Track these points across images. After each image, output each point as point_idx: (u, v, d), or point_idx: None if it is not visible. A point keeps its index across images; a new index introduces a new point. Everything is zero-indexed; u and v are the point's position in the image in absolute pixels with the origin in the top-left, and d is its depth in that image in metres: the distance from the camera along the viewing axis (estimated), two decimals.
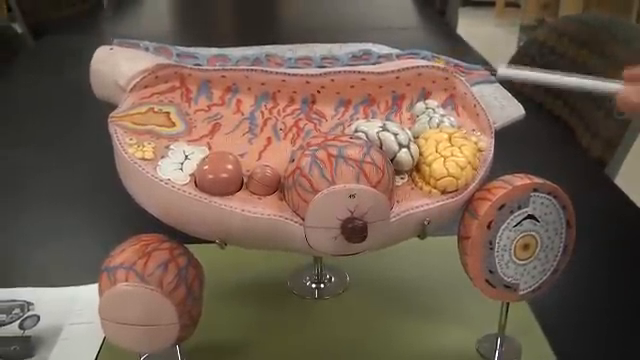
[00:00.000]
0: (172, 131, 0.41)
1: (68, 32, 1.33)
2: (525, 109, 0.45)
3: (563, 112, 0.93)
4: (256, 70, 0.45)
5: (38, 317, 0.46)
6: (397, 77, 0.45)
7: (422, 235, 0.41)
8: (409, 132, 0.41)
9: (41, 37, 1.31)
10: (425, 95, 0.45)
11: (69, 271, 0.54)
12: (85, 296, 0.50)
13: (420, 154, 0.41)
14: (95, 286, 0.39)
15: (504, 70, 0.40)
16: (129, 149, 0.39)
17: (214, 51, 0.48)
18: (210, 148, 0.41)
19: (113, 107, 0.43)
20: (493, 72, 0.41)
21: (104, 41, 0.47)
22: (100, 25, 1.46)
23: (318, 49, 0.49)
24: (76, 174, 0.71)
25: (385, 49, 0.49)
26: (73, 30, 1.34)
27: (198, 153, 0.40)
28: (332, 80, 0.45)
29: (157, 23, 1.48)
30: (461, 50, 1.18)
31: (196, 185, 0.38)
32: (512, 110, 0.45)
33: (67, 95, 0.93)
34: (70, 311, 0.49)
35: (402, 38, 1.26)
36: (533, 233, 0.41)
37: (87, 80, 0.46)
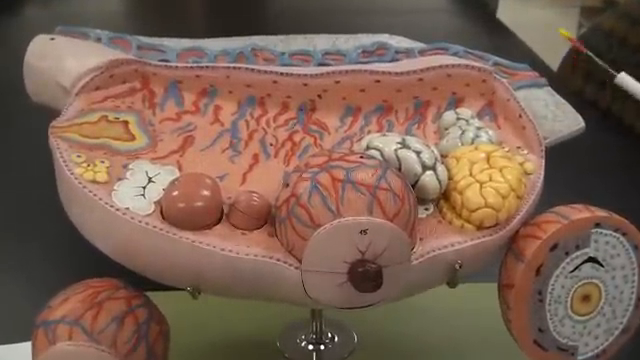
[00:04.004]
0: (132, 146, 0.43)
1: None
2: (586, 119, 0.47)
3: (638, 121, 0.94)
4: (240, 68, 0.46)
5: None
6: (420, 79, 0.46)
7: (452, 282, 0.42)
8: (435, 150, 0.43)
9: None
10: (456, 102, 0.47)
11: None
12: (10, 358, 0.51)
13: (450, 178, 0.42)
14: (26, 345, 0.40)
15: (624, 77, 0.42)
16: (76, 169, 0.40)
17: (186, 43, 0.49)
18: (180, 168, 0.42)
19: (55, 113, 0.44)
20: (613, 75, 0.43)
21: (38, 26, 0.48)
22: (28, 2, 1.47)
23: (319, 41, 0.50)
24: (2, 200, 0.72)
25: (405, 42, 0.51)
26: None
27: (165, 175, 0.41)
28: (337, 82, 0.46)
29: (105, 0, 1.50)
30: (503, 40, 1.20)
31: (162, 216, 0.39)
32: (568, 121, 0.47)
33: None
34: None
35: (427, 23, 1.28)
36: (596, 281, 0.42)
37: (17, 77, 0.47)
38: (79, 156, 0.41)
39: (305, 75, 0.46)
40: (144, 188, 0.40)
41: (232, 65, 0.46)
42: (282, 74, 0.46)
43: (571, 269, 0.41)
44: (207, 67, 0.46)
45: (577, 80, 1.04)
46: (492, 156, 0.42)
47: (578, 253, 0.41)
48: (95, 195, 0.39)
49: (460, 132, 0.44)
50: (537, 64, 1.00)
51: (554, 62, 1.09)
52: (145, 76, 0.46)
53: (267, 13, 1.46)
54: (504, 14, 1.53)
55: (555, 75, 1.05)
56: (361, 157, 0.39)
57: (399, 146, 0.41)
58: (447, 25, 1.33)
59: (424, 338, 0.54)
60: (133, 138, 0.43)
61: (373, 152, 0.41)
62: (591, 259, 0.41)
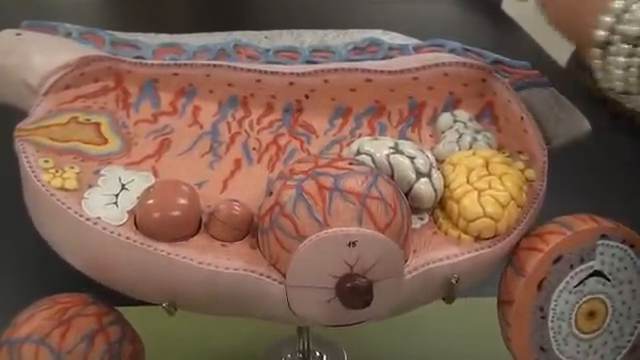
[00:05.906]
0: (104, 150, 0.42)
1: None
2: (594, 118, 0.47)
3: None
4: (221, 66, 0.46)
5: None
6: (415, 77, 0.46)
7: (448, 297, 0.41)
8: (431, 155, 0.42)
9: None
10: (454, 103, 0.47)
11: None
12: None
13: (446, 186, 0.42)
14: None
15: None
16: (43, 175, 0.40)
17: (163, 39, 0.49)
18: (156, 174, 0.42)
19: (22, 115, 0.44)
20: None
21: (7, 17, 0.48)
22: None
23: (306, 37, 0.50)
24: None
25: (399, 38, 0.50)
26: None
27: (139, 181, 0.41)
28: (325, 81, 0.46)
29: None
30: (508, 33, 1.20)
31: (136, 226, 0.39)
32: (573, 124, 0.46)
33: None
34: None
35: (427, 14, 1.28)
36: (602, 296, 0.42)
37: None
38: (47, 161, 0.41)
39: (291, 73, 0.46)
40: (117, 196, 0.40)
41: (213, 62, 0.46)
42: (266, 72, 0.46)
43: (575, 284, 0.41)
44: (185, 65, 0.46)
45: (585, 77, 1.04)
46: (491, 162, 0.42)
47: (583, 266, 0.41)
48: (64, 204, 0.39)
49: (457, 136, 0.44)
50: (543, 60, 1.00)
51: (562, 58, 1.09)
52: (119, 74, 0.46)
53: (255, 2, 1.46)
54: (509, 5, 1.53)
55: (563, 71, 1.05)
56: (350, 163, 0.39)
57: (392, 151, 0.41)
58: (448, 17, 1.33)
59: (419, 356, 0.54)
60: (105, 141, 0.43)
61: (364, 157, 0.41)
62: (597, 273, 0.41)
